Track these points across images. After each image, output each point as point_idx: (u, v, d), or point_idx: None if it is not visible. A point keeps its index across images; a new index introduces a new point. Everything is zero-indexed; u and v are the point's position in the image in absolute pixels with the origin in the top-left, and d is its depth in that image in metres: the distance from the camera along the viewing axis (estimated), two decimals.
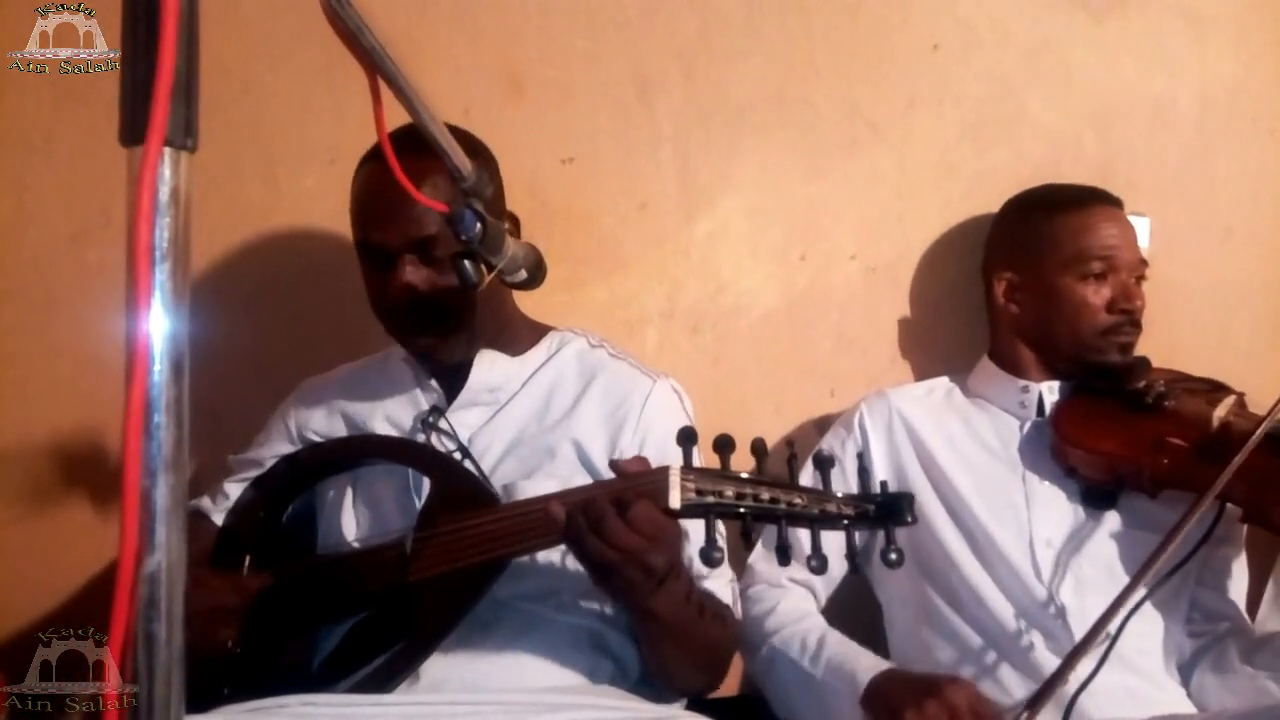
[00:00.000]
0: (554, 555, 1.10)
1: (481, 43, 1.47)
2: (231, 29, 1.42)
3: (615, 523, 0.89)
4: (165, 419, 0.44)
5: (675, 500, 0.89)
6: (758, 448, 0.91)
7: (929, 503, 1.27)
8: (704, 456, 0.95)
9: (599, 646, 1.14)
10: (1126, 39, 1.55)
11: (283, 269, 1.46)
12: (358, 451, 1.19)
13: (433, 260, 1.10)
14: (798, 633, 1.22)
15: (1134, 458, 1.21)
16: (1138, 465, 1.21)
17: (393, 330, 1.17)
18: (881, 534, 0.90)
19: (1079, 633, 1.16)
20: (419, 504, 1.11)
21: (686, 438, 0.93)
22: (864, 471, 0.94)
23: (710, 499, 0.89)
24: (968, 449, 1.31)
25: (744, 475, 0.91)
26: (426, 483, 1.12)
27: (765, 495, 0.89)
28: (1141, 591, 1.12)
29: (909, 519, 0.90)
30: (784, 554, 0.87)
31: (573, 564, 1.11)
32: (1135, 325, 1.32)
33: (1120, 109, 1.55)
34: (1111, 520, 1.25)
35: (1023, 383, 1.35)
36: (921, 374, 1.52)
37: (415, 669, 1.03)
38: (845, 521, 0.90)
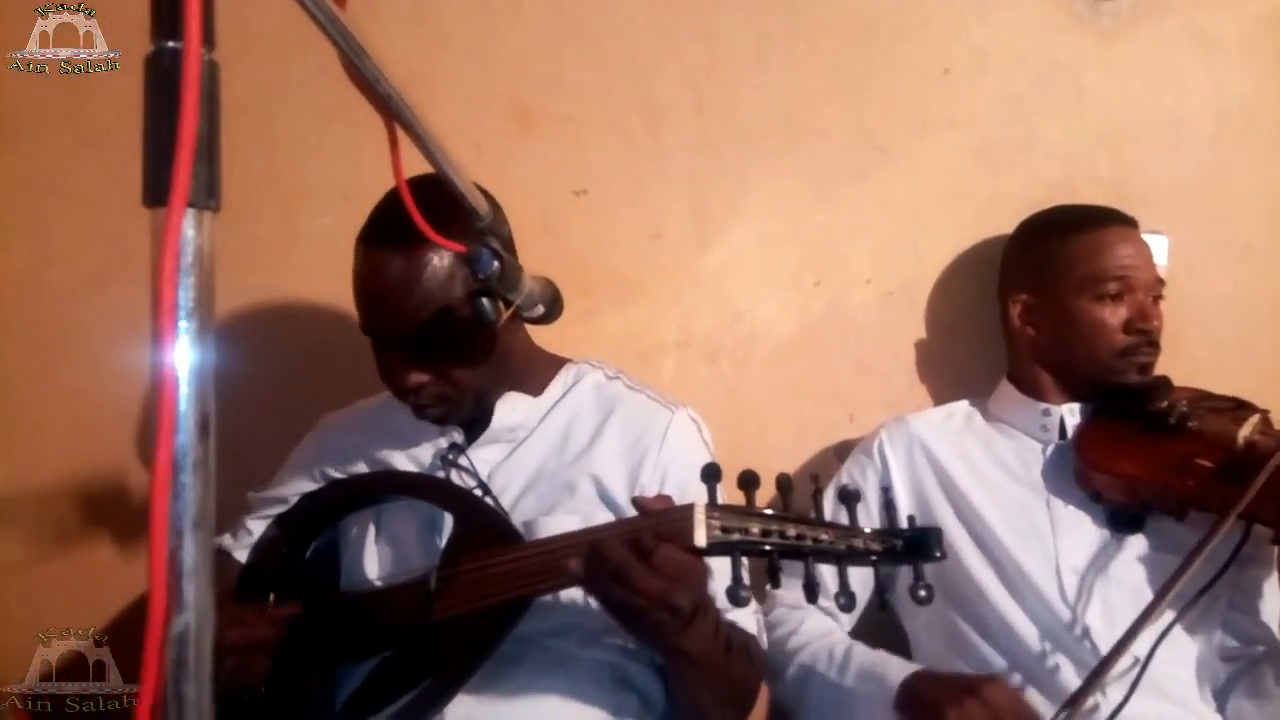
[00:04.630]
0: (577, 591, 1.09)
1: (492, 78, 1.49)
2: (246, 69, 1.44)
3: (638, 568, 0.88)
4: (192, 478, 0.44)
5: (701, 538, 0.88)
6: (782, 483, 0.90)
7: (953, 529, 1.26)
8: (727, 492, 0.94)
9: (623, 681, 1.13)
10: (1136, 59, 1.55)
11: (300, 306, 1.47)
12: (380, 488, 1.19)
13: (428, 355, 1.08)
14: (824, 647, 1.21)
15: (1159, 480, 1.20)
16: (1163, 488, 1.19)
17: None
18: (909, 569, 0.89)
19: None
20: (441, 541, 1.10)
21: (711, 474, 0.92)
22: (890, 505, 0.93)
23: (736, 537, 0.88)
24: (990, 474, 1.30)
25: (769, 512, 0.90)
26: (448, 520, 1.11)
27: (791, 532, 0.88)
28: (1170, 615, 1.11)
29: (937, 555, 0.88)
30: (811, 591, 0.86)
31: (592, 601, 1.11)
32: (1153, 345, 1.31)
33: (1133, 128, 1.55)
34: (1138, 544, 1.23)
35: (1043, 406, 1.33)
36: (939, 398, 1.51)
37: (441, 709, 1.03)
38: (873, 558, 0.89)
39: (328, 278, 1.47)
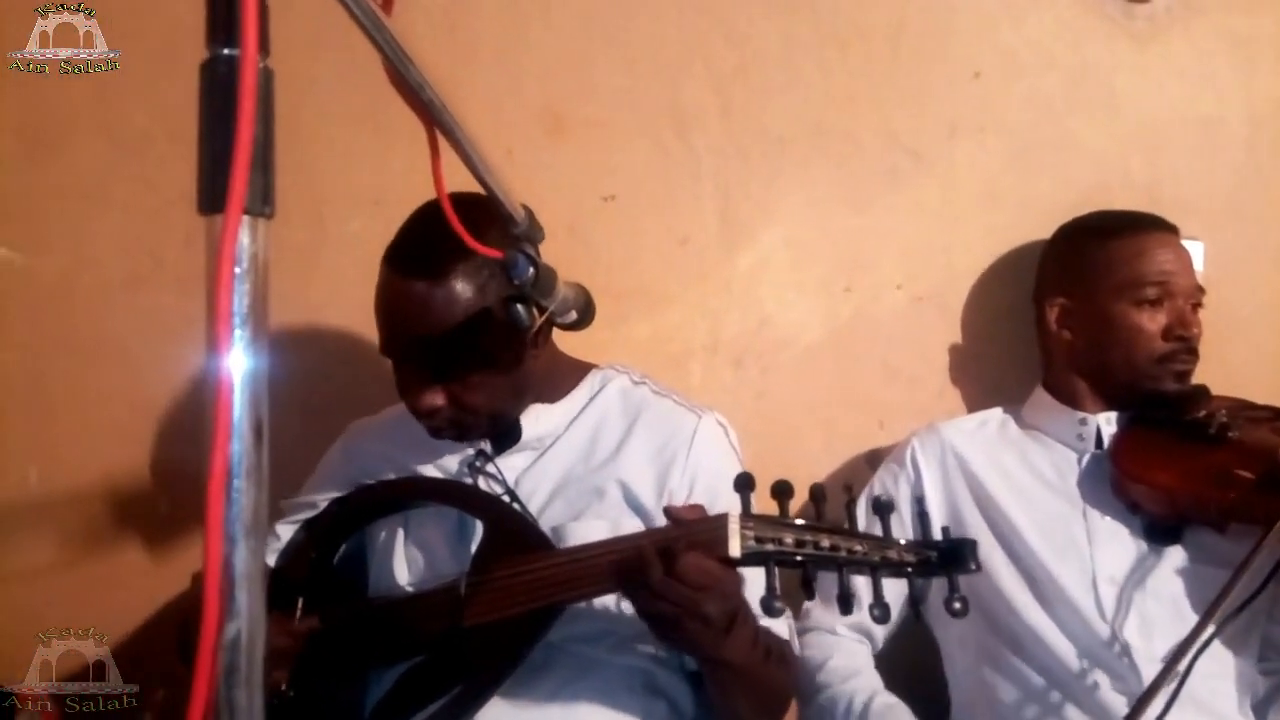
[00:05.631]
0: (608, 597, 1.08)
1: (523, 85, 1.49)
2: (278, 76, 1.45)
3: (662, 577, 0.88)
4: (245, 484, 0.44)
5: (735, 549, 0.88)
6: (816, 493, 0.90)
7: (985, 541, 1.24)
8: (759, 501, 0.94)
9: (652, 688, 1.13)
10: (1171, 61, 1.53)
11: (329, 311, 1.47)
12: (408, 493, 1.19)
13: (443, 378, 1.08)
14: (844, 693, 1.20)
15: (1198, 492, 1.18)
16: (1203, 499, 1.17)
17: None
18: (944, 581, 0.88)
19: (1146, 672, 1.13)
20: (471, 548, 1.10)
21: (744, 484, 0.92)
22: (923, 516, 0.92)
23: (770, 547, 0.88)
24: (1025, 484, 1.28)
25: (802, 522, 0.90)
26: (478, 527, 1.11)
27: (825, 543, 0.88)
28: (1210, 629, 1.10)
29: (973, 566, 0.88)
30: (846, 603, 0.85)
31: (626, 605, 1.10)
32: (1192, 353, 1.29)
33: (1167, 132, 1.53)
34: (1176, 556, 1.21)
35: (1080, 414, 1.31)
36: (971, 405, 1.50)
37: (471, 715, 1.02)
38: (908, 570, 0.89)
39: (357, 283, 1.48)
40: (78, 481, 1.48)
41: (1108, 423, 1.30)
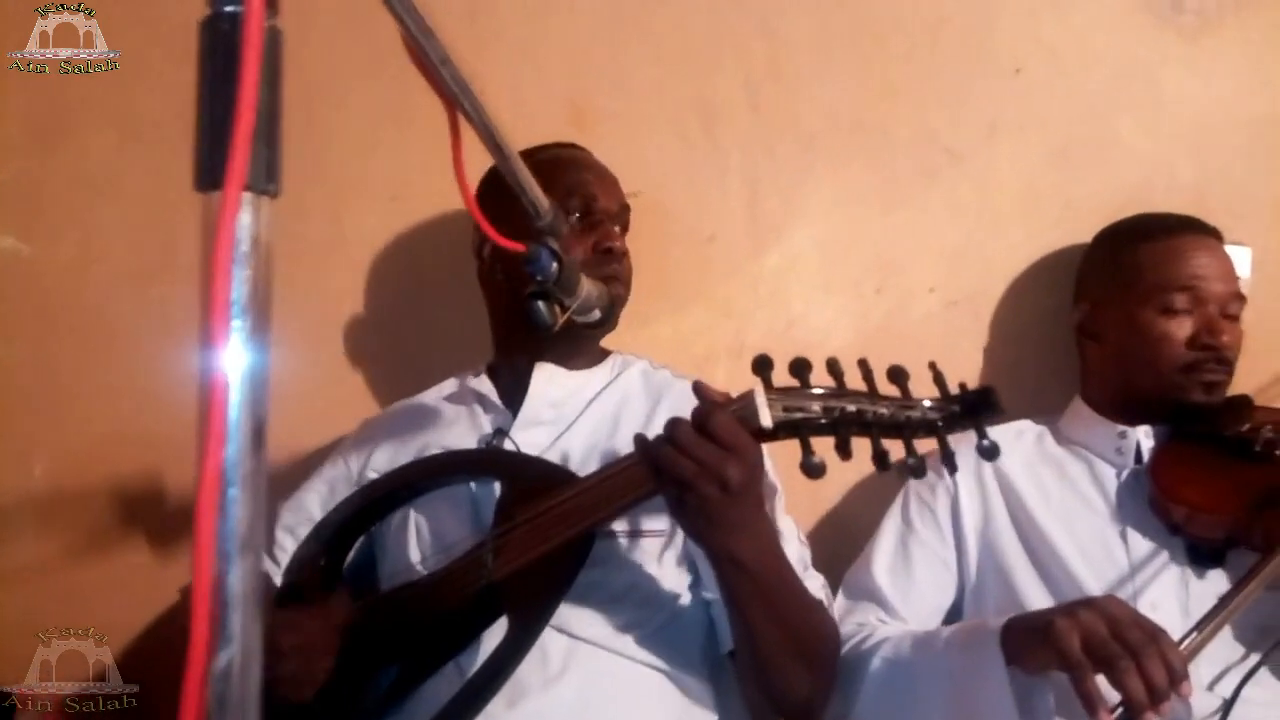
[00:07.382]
0: (631, 588, 1.06)
1: (545, 75, 1.45)
2: (294, 68, 1.39)
3: (690, 430, 0.86)
4: (242, 494, 0.40)
5: (767, 419, 0.86)
6: (834, 366, 0.88)
7: (1016, 562, 1.18)
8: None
9: (683, 691, 1.08)
10: (1221, 58, 1.47)
11: (343, 309, 1.43)
12: (416, 476, 1.15)
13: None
14: (907, 634, 1.12)
15: (1241, 513, 1.11)
16: (1246, 522, 1.11)
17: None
18: (973, 434, 0.88)
19: (1194, 700, 1.07)
20: (488, 514, 1.06)
21: (763, 364, 0.89)
22: (939, 377, 0.90)
23: (799, 415, 0.87)
24: (1065, 503, 1.21)
25: (826, 390, 0.88)
26: (490, 490, 1.08)
27: (852, 407, 0.87)
28: (1256, 656, 1.06)
29: (995, 406, 0.89)
30: (882, 460, 0.85)
31: (650, 596, 1.06)
32: (1222, 362, 1.21)
33: (1216, 132, 1.47)
34: (1221, 580, 1.14)
35: (1119, 427, 1.25)
36: (1007, 413, 1.44)
37: (518, 660, 0.99)
38: (936, 424, 0.88)
39: (373, 278, 1.44)
40: (83, 476, 1.44)
41: (1147, 436, 1.24)
